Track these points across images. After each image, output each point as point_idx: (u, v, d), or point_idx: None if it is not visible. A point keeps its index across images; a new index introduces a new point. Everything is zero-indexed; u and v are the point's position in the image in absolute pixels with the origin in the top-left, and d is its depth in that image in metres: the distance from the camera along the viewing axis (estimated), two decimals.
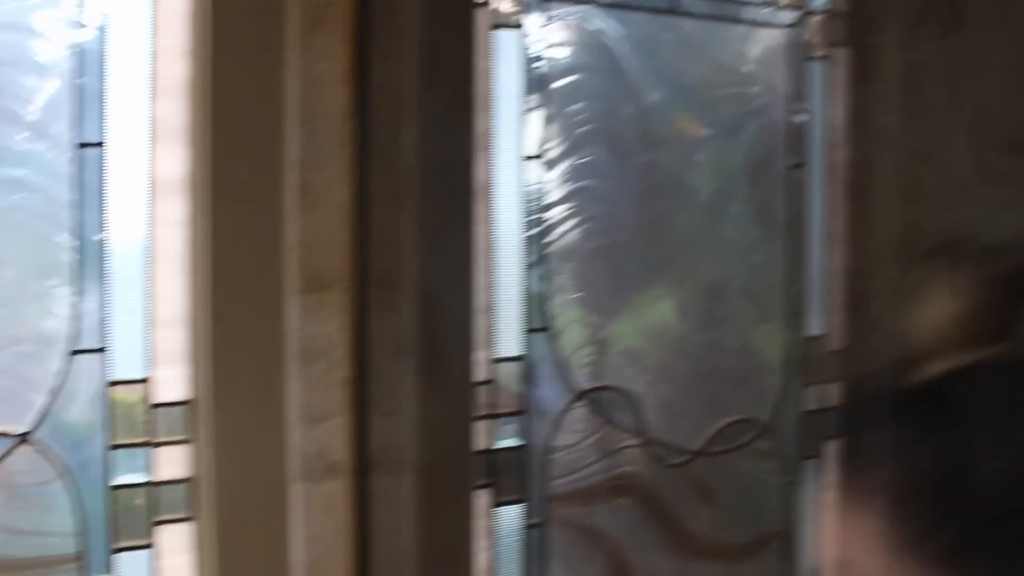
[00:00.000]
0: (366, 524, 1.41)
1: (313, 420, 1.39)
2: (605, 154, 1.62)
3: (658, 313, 1.72)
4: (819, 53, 1.89)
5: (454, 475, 1.48)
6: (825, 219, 1.93)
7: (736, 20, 1.75)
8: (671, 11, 1.67)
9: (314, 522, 1.40)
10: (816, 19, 1.89)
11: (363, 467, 1.40)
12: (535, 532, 1.61)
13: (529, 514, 1.60)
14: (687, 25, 1.70)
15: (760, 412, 1.81)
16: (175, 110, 1.33)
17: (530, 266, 1.57)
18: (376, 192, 1.36)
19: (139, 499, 1.36)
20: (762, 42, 1.79)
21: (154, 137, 1.33)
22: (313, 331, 1.38)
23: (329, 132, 1.35)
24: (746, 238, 1.81)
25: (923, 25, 1.96)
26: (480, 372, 1.53)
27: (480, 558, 1.56)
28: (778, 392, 1.83)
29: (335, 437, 1.40)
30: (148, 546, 1.36)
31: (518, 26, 1.53)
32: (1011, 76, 1.94)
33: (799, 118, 1.86)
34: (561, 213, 1.60)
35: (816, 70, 1.89)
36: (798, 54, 1.84)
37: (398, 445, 1.42)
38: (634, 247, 1.68)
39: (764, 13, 1.80)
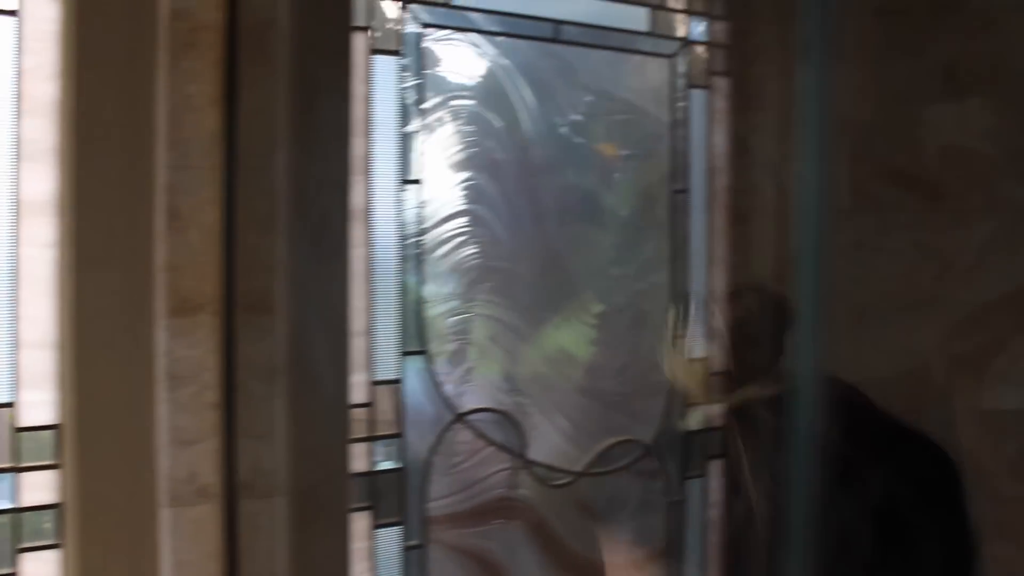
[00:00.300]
0: (236, 549, 1.40)
1: (182, 444, 1.37)
2: (486, 179, 1.65)
3: (542, 335, 1.75)
4: (700, 82, 1.95)
5: (329, 498, 1.48)
6: (708, 244, 1.98)
7: (619, 49, 1.79)
8: (554, 39, 1.70)
9: (183, 547, 1.38)
10: (697, 49, 1.94)
11: (234, 491, 1.39)
12: (414, 554, 1.62)
13: (408, 536, 1.61)
14: (570, 53, 1.73)
15: (644, 433, 1.84)
16: (42, 130, 1.32)
17: (409, 289, 1.58)
18: (248, 216, 1.36)
19: (2, 525, 1.34)
20: (645, 71, 1.84)
21: (20, 157, 1.31)
22: (182, 354, 1.36)
23: (199, 155, 1.34)
24: (631, 262, 1.85)
25: (804, 55, 2.02)
26: (358, 395, 1.53)
27: None
28: (661, 413, 1.87)
29: (205, 461, 1.38)
30: (11, 575, 1.33)
31: (398, 52, 1.55)
32: (889, 106, 2.01)
33: (681, 145, 1.91)
34: (441, 236, 1.62)
35: (697, 98, 1.94)
36: (680, 83, 1.89)
37: (270, 469, 1.41)
38: (517, 270, 1.70)
39: (646, 42, 1.84)
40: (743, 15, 2.02)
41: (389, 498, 1.58)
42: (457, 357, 1.65)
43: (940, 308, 2.02)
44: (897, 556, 0.64)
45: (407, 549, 1.61)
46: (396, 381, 1.58)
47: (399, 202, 1.56)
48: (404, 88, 1.56)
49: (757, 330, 0.62)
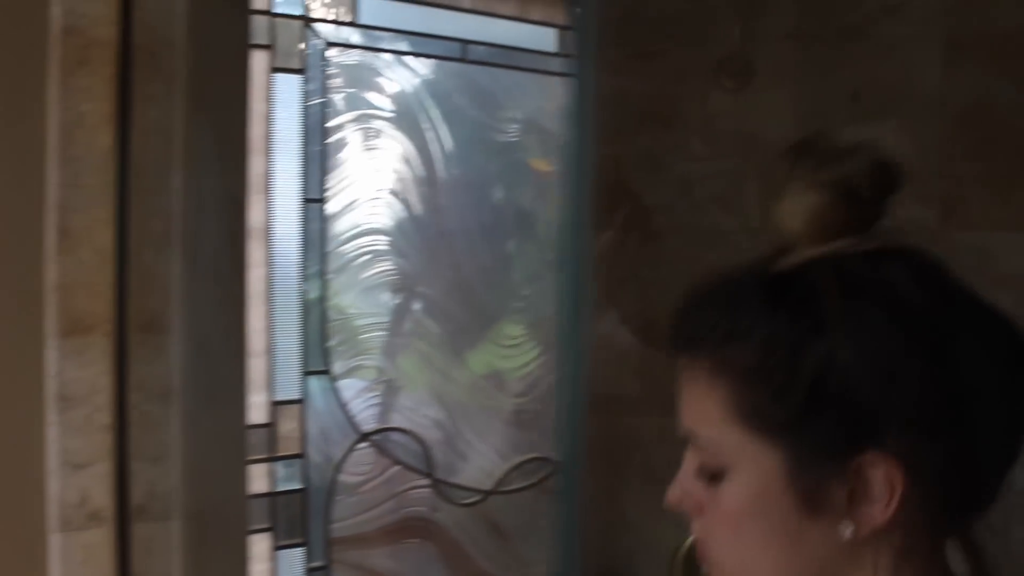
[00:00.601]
0: (129, 574, 1.37)
1: (73, 467, 1.35)
2: (394, 197, 1.65)
3: (453, 353, 1.75)
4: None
5: (226, 520, 1.46)
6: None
7: (527, 69, 1.81)
8: (461, 59, 1.71)
9: (74, 572, 1.35)
10: None
11: (127, 515, 1.36)
12: (318, 575, 1.61)
13: (311, 557, 1.60)
14: (480, 73, 1.74)
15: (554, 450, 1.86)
16: None
17: (312, 308, 1.57)
18: (142, 235, 1.34)
19: None
20: (548, 90, 1.86)
21: None
22: (73, 375, 1.34)
23: (91, 174, 1.32)
24: (544, 279, 1.86)
25: (719, 76, 2.06)
26: (258, 415, 1.52)
27: None
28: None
29: (97, 484, 1.36)
30: None
31: (301, 70, 1.55)
32: (799, 127, 2.05)
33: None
34: (348, 255, 1.61)
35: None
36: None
37: (165, 491, 1.39)
38: (427, 288, 1.70)
39: (550, 62, 1.86)
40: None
41: (291, 519, 1.57)
42: (364, 376, 1.64)
43: None
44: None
45: (310, 571, 1.59)
46: (299, 401, 1.57)
47: (302, 221, 1.55)
48: (307, 107, 1.55)
49: (864, 187, 0.65)
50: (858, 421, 0.67)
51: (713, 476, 0.72)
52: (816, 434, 0.68)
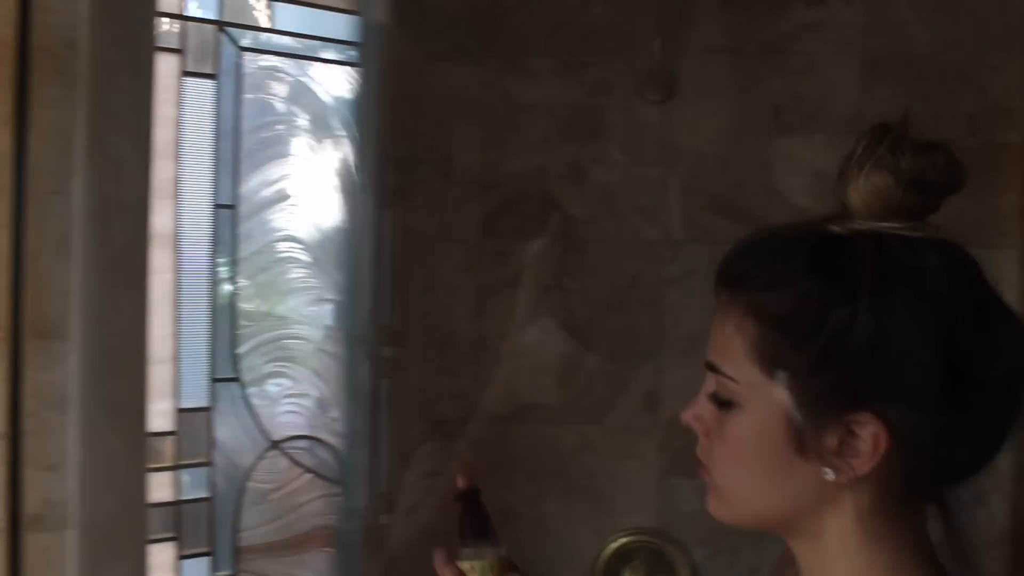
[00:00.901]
0: None
1: None
2: (303, 203, 1.64)
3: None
4: None
5: (125, 530, 1.44)
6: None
7: None
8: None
9: None
10: None
11: (20, 524, 1.34)
12: None
13: (217, 567, 1.58)
14: None
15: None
16: None
17: (219, 315, 1.56)
18: (40, 240, 1.32)
19: None
20: None
21: None
22: None
23: None
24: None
25: (643, 89, 2.08)
26: (163, 423, 1.50)
27: None
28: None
29: None
30: None
31: (213, 75, 1.53)
32: (718, 142, 2.08)
33: None
34: (257, 261, 1.60)
35: None
36: None
37: (61, 500, 1.36)
38: (332, 296, 1.69)
39: None
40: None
41: (196, 528, 1.55)
42: (276, 383, 1.63)
43: None
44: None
45: None
46: (206, 408, 1.55)
47: (212, 226, 1.53)
48: (220, 112, 1.53)
49: (933, 181, 0.72)
50: (861, 383, 0.74)
51: (723, 404, 0.79)
52: (822, 386, 0.74)
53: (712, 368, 0.80)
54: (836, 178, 0.77)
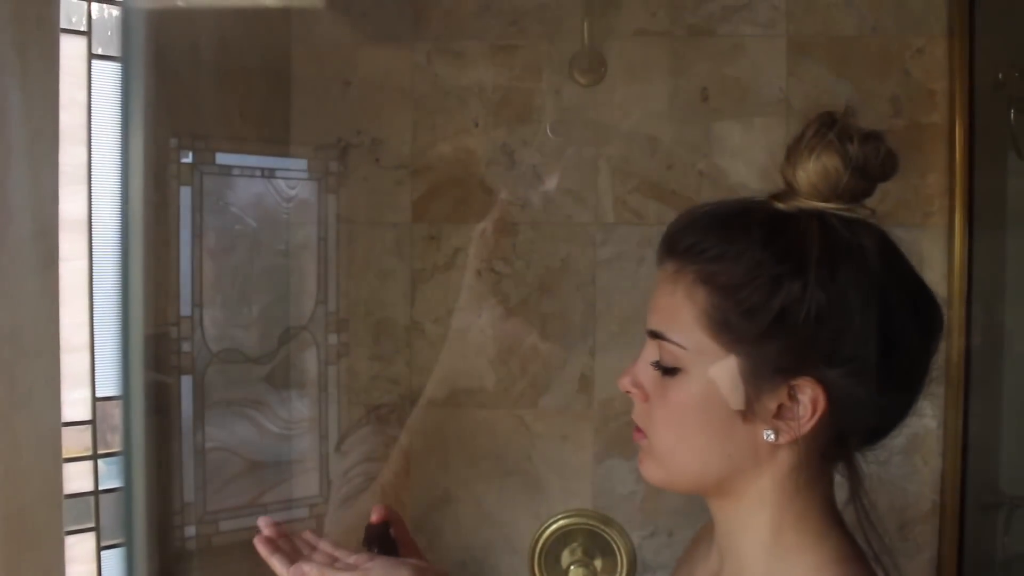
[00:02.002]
0: None
1: None
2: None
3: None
4: None
5: (40, 521, 1.42)
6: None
7: None
8: None
9: None
10: None
11: None
12: None
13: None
14: None
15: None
16: None
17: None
18: None
19: None
20: None
21: None
22: None
23: None
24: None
25: (572, 73, 2.09)
26: (78, 412, 1.47)
27: None
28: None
29: None
30: None
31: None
32: (647, 124, 2.09)
33: None
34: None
35: None
36: None
37: None
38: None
39: None
40: None
41: (115, 518, 1.53)
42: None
43: None
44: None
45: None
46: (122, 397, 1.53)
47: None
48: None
49: (873, 167, 0.80)
50: (804, 351, 0.80)
51: (667, 371, 0.84)
52: (768, 353, 0.80)
53: (657, 336, 0.85)
54: (784, 159, 0.84)
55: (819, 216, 0.82)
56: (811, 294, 0.79)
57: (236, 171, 1.97)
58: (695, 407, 0.84)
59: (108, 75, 1.46)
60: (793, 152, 0.84)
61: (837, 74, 2.04)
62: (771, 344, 0.80)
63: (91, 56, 1.46)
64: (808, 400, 0.81)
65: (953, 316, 1.95)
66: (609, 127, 2.09)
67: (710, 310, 0.82)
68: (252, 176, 1.99)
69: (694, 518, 2.04)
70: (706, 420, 0.83)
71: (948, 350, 1.95)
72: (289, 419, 2.05)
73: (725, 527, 0.90)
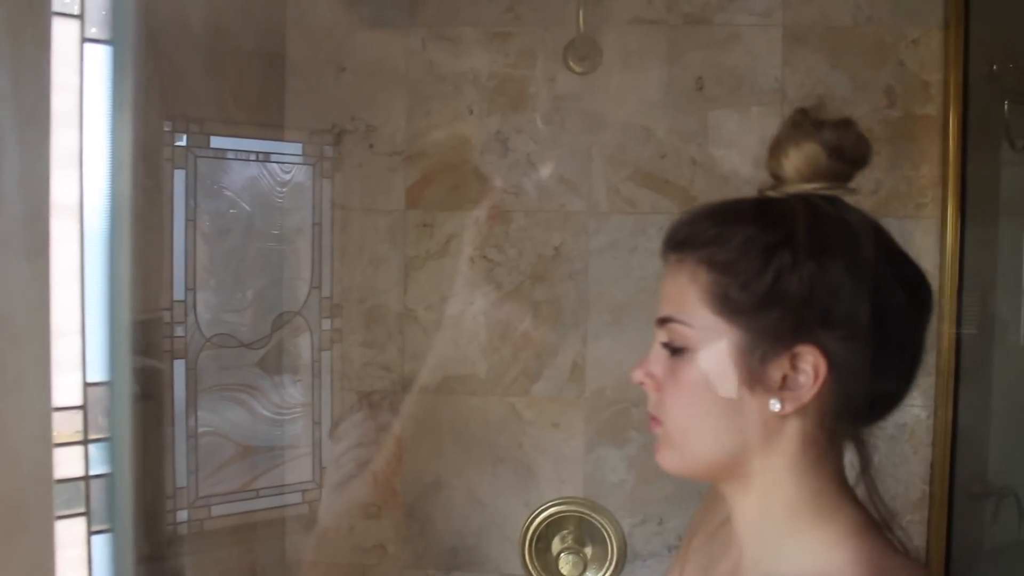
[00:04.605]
0: None
1: None
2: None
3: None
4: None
5: (30, 506, 1.41)
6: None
7: None
8: None
9: None
10: None
11: None
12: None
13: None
14: None
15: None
16: None
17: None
18: None
19: None
20: None
21: None
22: None
23: None
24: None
25: (567, 60, 2.08)
26: (69, 397, 1.47)
27: None
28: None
29: None
30: None
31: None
32: (640, 113, 2.09)
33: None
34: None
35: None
36: None
37: None
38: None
39: None
40: None
41: (105, 503, 1.53)
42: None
43: None
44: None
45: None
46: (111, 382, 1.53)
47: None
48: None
49: (850, 151, 0.88)
50: (801, 318, 0.85)
51: (676, 351, 0.89)
52: (768, 322, 0.85)
53: (667, 320, 0.90)
54: (768, 155, 0.91)
55: (804, 196, 0.88)
56: (802, 262, 0.84)
57: (231, 154, 1.96)
58: (705, 384, 0.88)
59: (101, 59, 1.45)
60: (775, 146, 0.90)
61: (832, 64, 2.04)
62: (769, 313, 0.85)
63: (84, 39, 1.45)
64: (810, 367, 0.85)
65: (945, 306, 1.95)
66: (603, 115, 2.09)
67: (712, 287, 0.87)
68: (247, 160, 1.99)
69: (684, 506, 2.06)
70: (716, 396, 0.87)
71: (939, 340, 1.95)
72: (282, 404, 2.05)
73: (743, 513, 0.93)
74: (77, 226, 1.46)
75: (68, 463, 1.49)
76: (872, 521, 0.89)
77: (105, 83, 1.48)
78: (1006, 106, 2.01)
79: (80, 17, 1.44)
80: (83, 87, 1.45)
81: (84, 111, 1.45)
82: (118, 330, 0.99)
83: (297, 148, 2.08)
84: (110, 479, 0.99)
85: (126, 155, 1.01)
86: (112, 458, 0.98)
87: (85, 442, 1.50)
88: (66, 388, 1.47)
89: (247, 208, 1.97)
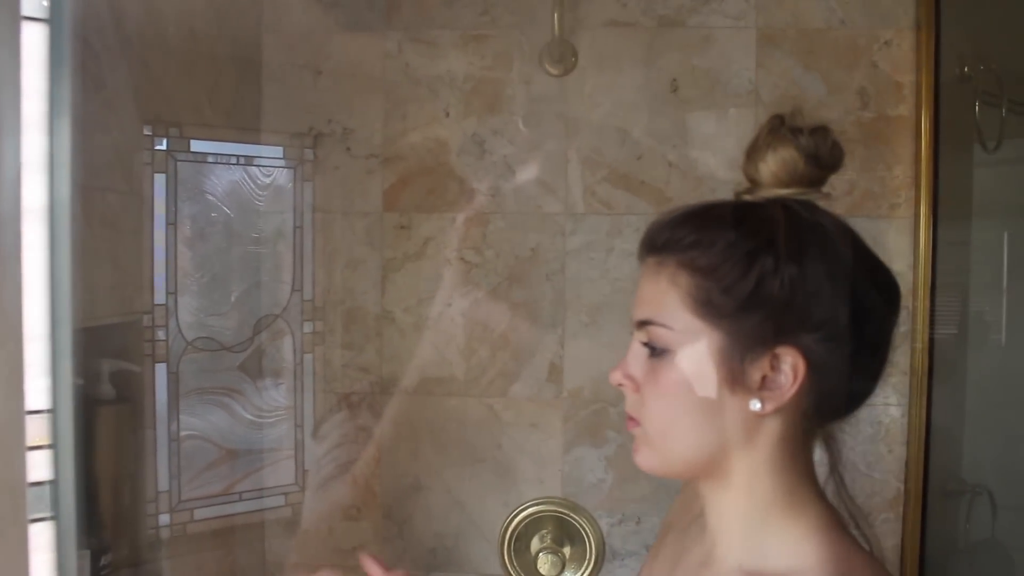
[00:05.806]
0: None
1: None
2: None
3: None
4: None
5: (4, 510, 1.41)
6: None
7: None
8: None
9: None
10: None
11: None
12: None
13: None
14: None
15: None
16: None
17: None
18: None
19: None
20: None
21: None
22: None
23: None
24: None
25: (543, 63, 2.09)
26: (42, 400, 1.47)
27: None
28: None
29: None
30: None
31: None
32: (615, 115, 2.10)
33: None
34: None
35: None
36: None
37: None
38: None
39: None
40: None
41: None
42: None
43: None
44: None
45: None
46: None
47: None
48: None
49: (824, 156, 0.90)
50: (782, 320, 0.87)
51: (656, 352, 0.90)
52: (749, 325, 0.87)
53: (647, 322, 0.91)
54: (745, 160, 0.92)
55: (782, 201, 0.90)
56: (783, 267, 0.85)
57: (211, 158, 1.97)
58: (685, 385, 0.89)
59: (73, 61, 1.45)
60: (752, 151, 0.91)
61: (806, 66, 2.05)
62: (751, 317, 0.86)
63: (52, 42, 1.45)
64: (789, 368, 0.86)
65: (918, 306, 1.97)
66: (579, 117, 2.10)
67: (693, 291, 0.88)
68: (227, 164, 1.99)
69: (662, 505, 2.07)
70: (696, 397, 0.89)
71: (913, 339, 1.97)
72: (264, 407, 2.06)
73: (717, 508, 0.95)
74: (46, 230, 1.46)
75: (37, 468, 1.49)
76: (839, 517, 0.91)
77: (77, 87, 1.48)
78: (977, 107, 2.02)
79: (49, 21, 1.44)
80: (52, 90, 1.45)
81: (53, 115, 1.45)
82: (59, 336, 0.99)
83: (278, 152, 2.09)
84: (53, 486, 1.00)
85: (65, 157, 1.02)
86: (56, 464, 0.98)
87: (55, 446, 1.50)
88: (36, 392, 1.47)
89: (228, 212, 1.97)
